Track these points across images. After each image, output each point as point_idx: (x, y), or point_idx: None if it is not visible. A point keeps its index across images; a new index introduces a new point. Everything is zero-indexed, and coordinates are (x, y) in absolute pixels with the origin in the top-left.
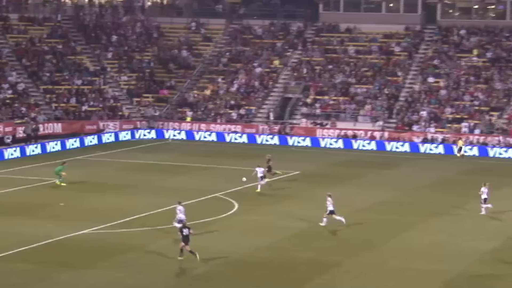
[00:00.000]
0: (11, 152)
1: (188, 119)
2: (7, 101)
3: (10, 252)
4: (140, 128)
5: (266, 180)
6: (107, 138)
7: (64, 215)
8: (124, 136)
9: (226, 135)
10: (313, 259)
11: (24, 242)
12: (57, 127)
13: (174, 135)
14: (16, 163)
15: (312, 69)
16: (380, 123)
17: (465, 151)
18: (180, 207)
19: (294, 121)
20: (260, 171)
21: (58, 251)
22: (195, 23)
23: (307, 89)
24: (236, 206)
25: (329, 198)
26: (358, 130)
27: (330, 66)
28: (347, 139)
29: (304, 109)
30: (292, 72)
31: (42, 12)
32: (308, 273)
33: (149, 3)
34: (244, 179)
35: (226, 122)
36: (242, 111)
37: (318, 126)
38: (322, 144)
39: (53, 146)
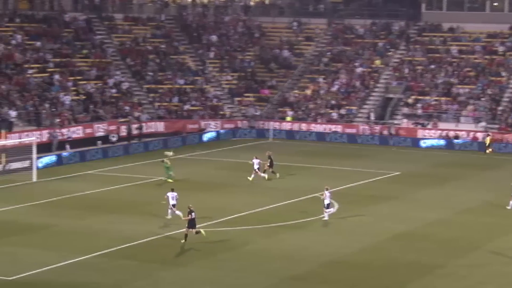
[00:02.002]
0: (115, 150)
1: (289, 118)
2: (112, 100)
3: (113, 249)
4: (241, 128)
5: (264, 175)
6: (208, 137)
7: (165, 213)
8: (225, 135)
9: (326, 135)
10: (414, 260)
11: (127, 239)
12: (160, 126)
13: (275, 135)
14: (120, 161)
15: (413, 69)
16: (483, 124)
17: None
18: (172, 194)
19: (395, 122)
20: (256, 162)
21: (160, 248)
22: (297, 23)
23: (409, 89)
24: (336, 206)
25: (326, 192)
26: (460, 131)
27: (432, 66)
28: (448, 140)
29: (405, 110)
30: (394, 72)
31: (146, 12)
32: (409, 275)
33: (251, 3)
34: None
35: (326, 122)
36: (342, 111)
37: (420, 126)
38: (423, 144)
39: (156, 144)
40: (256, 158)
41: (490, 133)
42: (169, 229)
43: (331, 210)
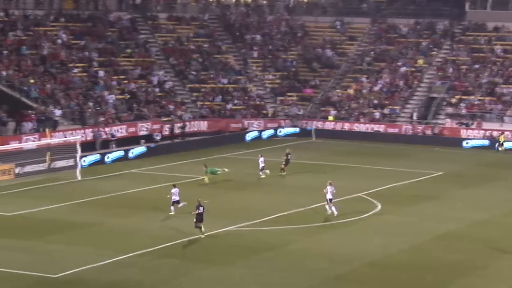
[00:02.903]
0: (157, 149)
1: (331, 118)
2: (155, 99)
3: (156, 247)
4: (283, 127)
5: (267, 171)
6: (251, 136)
7: (208, 212)
8: (267, 134)
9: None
10: (456, 261)
11: (169, 238)
12: (202, 125)
13: (317, 134)
14: (162, 160)
15: (457, 68)
16: None
17: (505, 147)
18: (174, 190)
19: (439, 121)
20: (261, 160)
21: (202, 247)
22: (340, 22)
23: (452, 89)
24: (379, 206)
25: (328, 186)
26: (504, 130)
27: (476, 66)
28: (492, 140)
29: (449, 109)
30: (437, 71)
31: (189, 12)
32: (450, 275)
33: (293, 2)
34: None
35: (369, 121)
36: (385, 111)
37: (463, 126)
38: (467, 144)
39: (198, 143)
40: (261, 156)
41: (504, 132)
42: (210, 228)
43: (333, 207)
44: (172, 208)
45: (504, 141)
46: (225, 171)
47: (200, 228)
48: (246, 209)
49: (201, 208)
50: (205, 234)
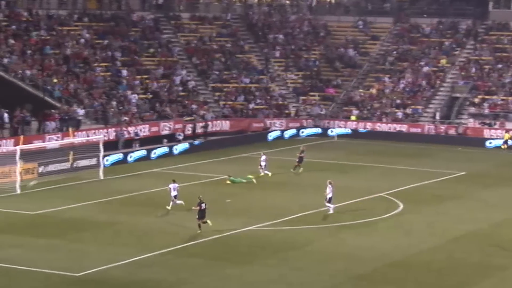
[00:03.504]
0: (180, 149)
1: (354, 118)
2: (178, 98)
3: (178, 246)
4: (305, 127)
5: (267, 172)
6: (273, 136)
7: (230, 212)
8: (290, 134)
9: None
10: (478, 261)
11: (192, 237)
12: (225, 125)
13: (339, 134)
14: (184, 159)
15: (480, 68)
16: None
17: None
18: (174, 185)
19: (462, 121)
20: (263, 158)
21: (222, 246)
22: (362, 22)
23: (475, 89)
24: (401, 206)
25: (329, 186)
26: (509, 130)
27: (499, 65)
28: None
29: (472, 109)
30: (460, 71)
31: (212, 11)
32: (473, 276)
33: (316, 2)
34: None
35: (391, 121)
36: (408, 111)
37: (486, 126)
38: (490, 144)
39: (220, 143)
40: (264, 154)
41: (509, 130)
42: (234, 226)
43: (332, 206)
44: (179, 203)
45: (509, 139)
46: (252, 180)
47: (200, 225)
48: (267, 208)
49: (203, 205)
50: (224, 233)
